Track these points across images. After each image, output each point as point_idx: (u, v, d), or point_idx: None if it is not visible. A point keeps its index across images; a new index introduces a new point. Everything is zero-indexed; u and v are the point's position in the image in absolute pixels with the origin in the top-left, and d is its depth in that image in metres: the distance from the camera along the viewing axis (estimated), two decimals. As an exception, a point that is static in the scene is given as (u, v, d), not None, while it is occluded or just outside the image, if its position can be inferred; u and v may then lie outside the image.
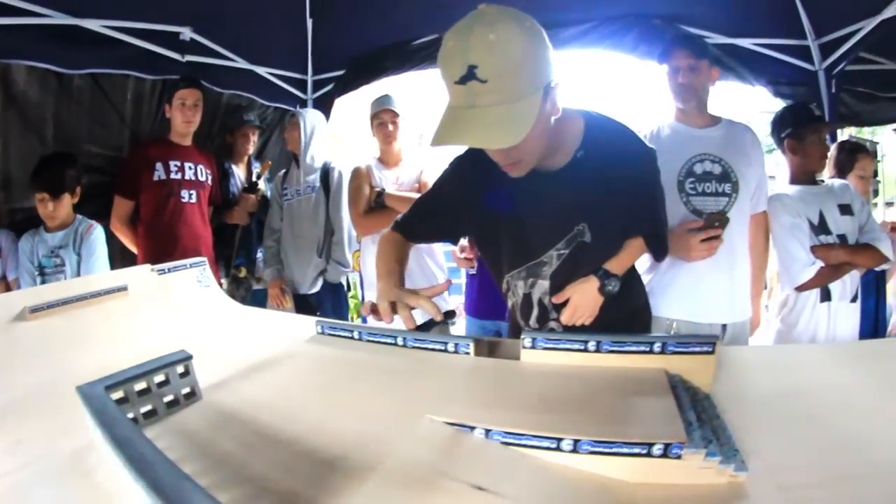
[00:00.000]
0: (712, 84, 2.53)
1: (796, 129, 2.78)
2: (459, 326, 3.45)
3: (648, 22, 3.99)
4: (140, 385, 1.02)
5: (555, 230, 1.65)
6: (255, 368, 1.30)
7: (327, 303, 3.68)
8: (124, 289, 1.77)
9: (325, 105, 4.55)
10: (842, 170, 3.38)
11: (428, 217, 1.84)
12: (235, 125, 3.95)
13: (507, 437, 0.91)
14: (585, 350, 1.17)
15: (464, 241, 3.13)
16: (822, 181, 2.90)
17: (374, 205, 3.20)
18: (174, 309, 1.84)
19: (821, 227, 2.67)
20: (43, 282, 2.89)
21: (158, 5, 3.42)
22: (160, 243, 3.19)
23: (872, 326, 3.20)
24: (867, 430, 0.97)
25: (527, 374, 1.17)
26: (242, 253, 3.83)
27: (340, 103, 4.66)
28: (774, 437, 0.97)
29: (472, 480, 0.80)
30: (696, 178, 2.43)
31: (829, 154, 3.01)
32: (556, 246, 1.65)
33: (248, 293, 3.81)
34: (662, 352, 1.13)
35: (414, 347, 1.34)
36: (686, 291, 2.36)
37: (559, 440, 0.88)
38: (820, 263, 2.61)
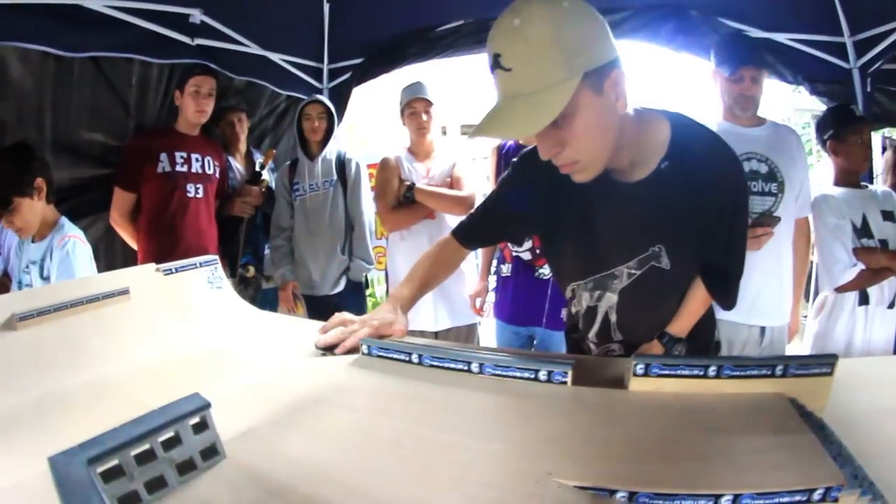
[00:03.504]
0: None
1: (838, 131, 2.81)
2: (489, 332, 3.34)
3: (686, 13, 3.86)
4: (140, 448, 0.74)
5: (628, 248, 1.49)
6: (293, 408, 1.02)
7: (351, 303, 3.44)
8: (126, 292, 1.55)
9: (341, 95, 4.40)
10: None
11: (489, 221, 1.72)
12: (219, 113, 3.60)
13: (656, 499, 0.75)
14: (705, 376, 1.04)
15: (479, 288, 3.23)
16: (866, 186, 2.89)
17: (403, 199, 3.10)
18: (183, 315, 1.64)
19: (863, 231, 2.69)
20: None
21: (167, -15, 3.19)
22: (163, 241, 3.02)
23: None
24: None
25: (643, 408, 1.02)
26: (249, 250, 3.62)
27: (356, 93, 4.49)
28: (890, 465, 0.86)
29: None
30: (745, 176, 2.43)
31: (886, 157, 3.05)
32: (628, 264, 1.49)
33: (257, 293, 3.62)
34: (784, 375, 1.03)
35: (494, 375, 1.12)
36: None
37: (717, 497, 0.75)
38: (861, 266, 2.62)
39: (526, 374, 1.10)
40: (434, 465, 0.81)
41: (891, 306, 2.75)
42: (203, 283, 1.80)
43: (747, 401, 1.01)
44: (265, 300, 3.59)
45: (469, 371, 1.13)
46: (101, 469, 0.68)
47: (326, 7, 4.15)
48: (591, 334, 1.63)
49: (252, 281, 3.60)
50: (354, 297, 3.58)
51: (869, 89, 3.92)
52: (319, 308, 3.46)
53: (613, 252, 1.50)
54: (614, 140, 1.30)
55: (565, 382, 1.08)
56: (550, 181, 1.44)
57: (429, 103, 3.14)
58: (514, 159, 1.66)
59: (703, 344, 1.73)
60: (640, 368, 1.05)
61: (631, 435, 0.93)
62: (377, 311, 1.52)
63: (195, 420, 0.79)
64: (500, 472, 0.80)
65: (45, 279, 2.45)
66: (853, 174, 2.84)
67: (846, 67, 3.93)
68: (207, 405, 0.79)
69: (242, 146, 3.73)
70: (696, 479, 0.78)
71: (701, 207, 1.41)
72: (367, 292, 4.03)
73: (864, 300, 2.72)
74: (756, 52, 2.69)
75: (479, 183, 3.25)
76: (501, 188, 1.69)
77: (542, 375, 1.09)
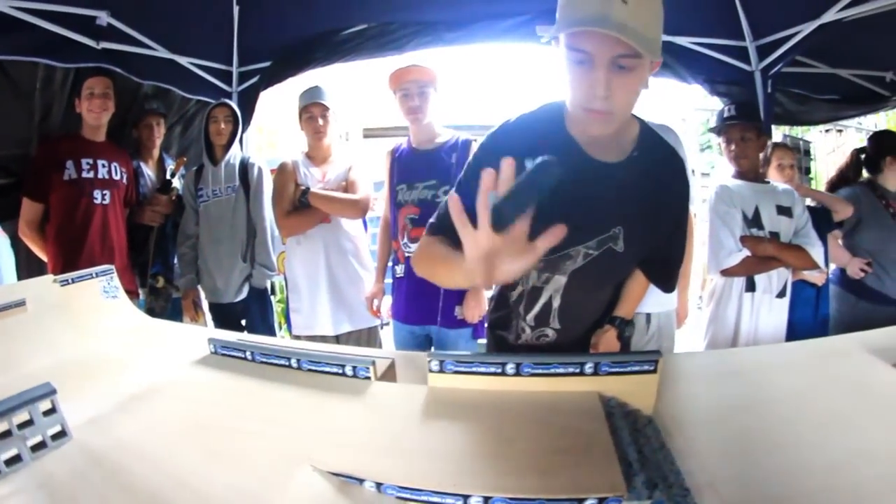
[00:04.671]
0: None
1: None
2: (387, 333, 3.41)
3: None
4: None
5: (594, 225, 1.58)
6: (136, 398, 1.24)
7: (255, 310, 3.59)
8: (22, 303, 1.69)
9: (250, 98, 4.39)
10: (766, 164, 3.58)
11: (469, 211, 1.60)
12: (138, 116, 3.68)
13: (402, 492, 0.82)
14: (504, 374, 1.08)
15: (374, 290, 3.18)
16: (768, 181, 3.09)
17: (299, 204, 3.11)
18: (77, 324, 1.77)
19: (754, 221, 2.86)
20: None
21: (73, -15, 3.20)
22: (70, 249, 3.03)
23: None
24: (825, 446, 0.96)
25: (435, 405, 1.08)
26: (159, 260, 3.60)
27: (267, 94, 4.42)
28: (727, 465, 0.92)
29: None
30: None
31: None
32: (587, 244, 1.57)
33: (167, 303, 3.61)
34: (595, 373, 1.05)
35: (309, 371, 1.28)
36: None
37: (466, 497, 0.78)
38: (746, 252, 2.79)
39: (334, 370, 1.25)
40: (221, 446, 1.02)
41: (780, 296, 2.92)
42: (98, 293, 1.93)
43: (551, 399, 1.04)
44: (175, 310, 3.62)
45: (290, 366, 1.31)
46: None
47: (236, 10, 4.12)
48: (530, 317, 1.71)
49: (162, 291, 3.61)
50: (258, 305, 3.62)
51: (770, 91, 4.14)
52: (225, 316, 3.54)
53: (579, 228, 1.54)
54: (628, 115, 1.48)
55: (369, 377, 1.21)
56: (524, 159, 1.50)
57: (325, 108, 3.19)
58: (483, 142, 1.60)
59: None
60: (434, 365, 1.14)
61: (409, 429, 1.02)
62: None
63: (46, 405, 1.02)
64: (270, 455, 0.96)
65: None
66: (741, 171, 3.01)
67: (748, 70, 4.16)
68: (54, 391, 1.03)
69: (156, 152, 3.74)
70: (450, 476, 0.82)
71: (658, 197, 1.57)
72: (276, 298, 4.17)
73: (750, 287, 2.90)
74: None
75: (373, 186, 3.31)
76: (474, 173, 1.57)
77: (349, 371, 1.23)
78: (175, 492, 0.87)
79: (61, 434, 1.04)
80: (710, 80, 4.27)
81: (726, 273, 2.86)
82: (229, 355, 1.42)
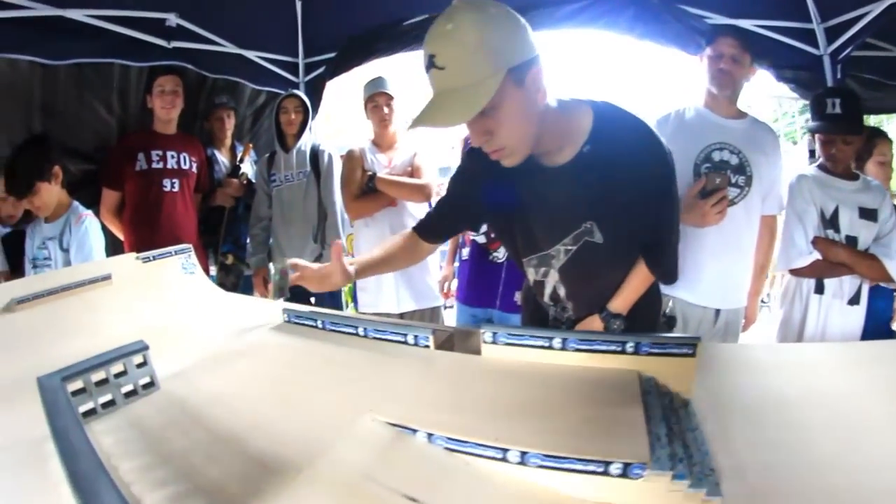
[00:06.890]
0: (748, 80, 2.63)
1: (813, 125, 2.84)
2: (451, 314, 3.53)
3: (646, 1, 3.89)
4: (98, 375, 1.09)
5: (559, 226, 1.67)
6: (216, 359, 1.36)
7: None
8: (108, 277, 1.86)
9: (316, 88, 4.56)
10: (860, 158, 3.21)
11: (443, 215, 1.93)
12: (209, 110, 3.96)
13: (450, 442, 0.89)
14: (550, 347, 1.14)
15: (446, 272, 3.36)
16: (858, 177, 2.80)
17: (366, 188, 3.26)
18: (158, 296, 1.91)
19: (830, 222, 2.67)
20: (35, 274, 2.89)
21: (143, -8, 3.39)
22: (142, 233, 3.26)
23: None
24: (859, 447, 0.96)
25: (485, 372, 1.15)
26: (230, 239, 3.85)
27: (333, 84, 4.59)
28: (758, 454, 0.94)
29: (405, 489, 0.79)
30: (713, 165, 2.52)
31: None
32: (563, 241, 1.67)
33: (238, 280, 3.83)
34: (636, 353, 1.08)
35: (374, 338, 1.37)
36: (686, 271, 2.17)
37: (505, 451, 0.84)
38: (817, 255, 2.63)
39: (397, 338, 1.35)
40: (291, 398, 1.14)
41: (852, 302, 2.70)
42: (177, 269, 2.10)
43: (593, 374, 1.08)
44: (247, 287, 3.81)
45: (357, 334, 1.41)
46: (71, 388, 1.05)
47: (299, 4, 4.30)
48: (545, 300, 1.85)
49: (232, 268, 3.82)
50: (327, 284, 3.74)
51: (839, 76, 3.93)
52: (295, 293, 3.61)
53: (549, 231, 1.68)
54: (537, 127, 1.47)
55: (428, 346, 1.30)
56: (493, 171, 1.60)
57: (390, 97, 3.33)
58: (462, 158, 1.86)
59: (648, 321, 1.92)
60: (488, 337, 1.21)
61: (460, 390, 1.10)
62: (325, 266, 1.79)
63: (139, 359, 1.16)
64: (335, 406, 1.06)
65: (65, 251, 2.89)
66: (833, 167, 2.76)
67: (817, 54, 3.96)
68: (146, 347, 1.16)
69: (228, 141, 3.97)
70: (494, 433, 0.87)
71: (624, 184, 1.55)
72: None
73: (819, 289, 2.72)
74: (738, 32, 2.79)
75: (437, 172, 3.42)
76: (451, 182, 1.90)
77: (410, 339, 1.33)
78: (248, 433, 0.98)
79: (150, 384, 1.18)
80: (776, 65, 4.05)
81: (795, 273, 2.75)
82: (301, 324, 1.53)
